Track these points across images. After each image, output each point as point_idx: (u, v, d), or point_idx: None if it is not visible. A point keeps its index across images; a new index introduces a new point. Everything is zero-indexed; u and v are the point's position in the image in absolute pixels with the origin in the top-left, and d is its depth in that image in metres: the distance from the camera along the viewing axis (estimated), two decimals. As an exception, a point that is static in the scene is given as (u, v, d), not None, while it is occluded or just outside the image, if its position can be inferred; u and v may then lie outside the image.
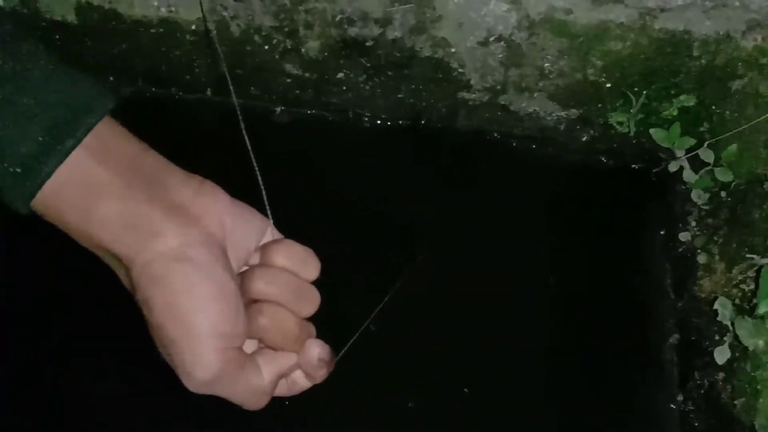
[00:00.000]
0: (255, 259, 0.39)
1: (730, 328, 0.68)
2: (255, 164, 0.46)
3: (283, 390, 0.40)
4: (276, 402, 0.40)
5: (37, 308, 0.80)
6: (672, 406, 0.77)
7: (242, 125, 0.50)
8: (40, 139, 0.32)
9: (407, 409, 0.76)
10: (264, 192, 0.43)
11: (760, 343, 0.63)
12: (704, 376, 0.73)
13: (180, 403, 0.63)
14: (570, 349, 0.80)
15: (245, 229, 0.38)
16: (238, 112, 0.54)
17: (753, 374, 0.65)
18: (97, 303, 0.72)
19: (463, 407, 0.76)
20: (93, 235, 0.34)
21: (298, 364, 0.39)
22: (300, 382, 0.40)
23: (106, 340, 0.77)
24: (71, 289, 0.79)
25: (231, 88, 0.53)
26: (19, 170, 0.32)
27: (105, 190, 0.34)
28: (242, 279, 0.38)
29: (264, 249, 0.39)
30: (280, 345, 0.39)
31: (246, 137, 0.49)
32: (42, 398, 0.76)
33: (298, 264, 0.39)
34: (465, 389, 0.77)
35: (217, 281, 0.35)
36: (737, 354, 0.69)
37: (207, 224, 0.36)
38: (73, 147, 0.33)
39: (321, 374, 0.40)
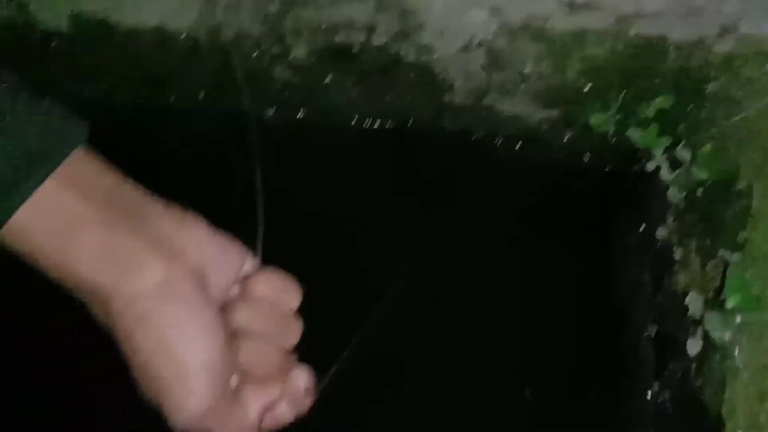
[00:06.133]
0: (235, 290, 0.39)
1: (701, 321, 0.71)
2: (259, 187, 0.47)
3: (267, 423, 0.39)
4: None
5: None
6: (648, 393, 0.80)
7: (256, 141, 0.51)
8: (13, 165, 0.31)
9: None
10: (261, 217, 0.42)
11: (727, 335, 0.66)
12: (678, 366, 0.77)
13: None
14: (552, 343, 0.83)
15: (226, 260, 0.38)
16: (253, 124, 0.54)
17: (720, 365, 0.68)
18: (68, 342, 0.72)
19: (446, 407, 0.79)
20: (69, 268, 0.33)
21: (282, 396, 0.39)
22: (284, 413, 0.39)
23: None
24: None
25: (247, 100, 0.53)
26: None
27: (84, 221, 0.33)
28: (224, 312, 0.37)
29: (245, 280, 0.38)
30: (263, 378, 0.38)
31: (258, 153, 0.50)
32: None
33: (280, 293, 0.39)
34: (445, 393, 0.80)
35: (204, 316, 0.35)
36: (707, 346, 0.72)
37: (190, 258, 0.35)
38: (47, 174, 0.32)
39: (306, 404, 0.40)
